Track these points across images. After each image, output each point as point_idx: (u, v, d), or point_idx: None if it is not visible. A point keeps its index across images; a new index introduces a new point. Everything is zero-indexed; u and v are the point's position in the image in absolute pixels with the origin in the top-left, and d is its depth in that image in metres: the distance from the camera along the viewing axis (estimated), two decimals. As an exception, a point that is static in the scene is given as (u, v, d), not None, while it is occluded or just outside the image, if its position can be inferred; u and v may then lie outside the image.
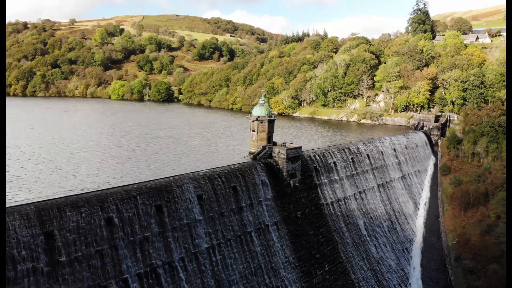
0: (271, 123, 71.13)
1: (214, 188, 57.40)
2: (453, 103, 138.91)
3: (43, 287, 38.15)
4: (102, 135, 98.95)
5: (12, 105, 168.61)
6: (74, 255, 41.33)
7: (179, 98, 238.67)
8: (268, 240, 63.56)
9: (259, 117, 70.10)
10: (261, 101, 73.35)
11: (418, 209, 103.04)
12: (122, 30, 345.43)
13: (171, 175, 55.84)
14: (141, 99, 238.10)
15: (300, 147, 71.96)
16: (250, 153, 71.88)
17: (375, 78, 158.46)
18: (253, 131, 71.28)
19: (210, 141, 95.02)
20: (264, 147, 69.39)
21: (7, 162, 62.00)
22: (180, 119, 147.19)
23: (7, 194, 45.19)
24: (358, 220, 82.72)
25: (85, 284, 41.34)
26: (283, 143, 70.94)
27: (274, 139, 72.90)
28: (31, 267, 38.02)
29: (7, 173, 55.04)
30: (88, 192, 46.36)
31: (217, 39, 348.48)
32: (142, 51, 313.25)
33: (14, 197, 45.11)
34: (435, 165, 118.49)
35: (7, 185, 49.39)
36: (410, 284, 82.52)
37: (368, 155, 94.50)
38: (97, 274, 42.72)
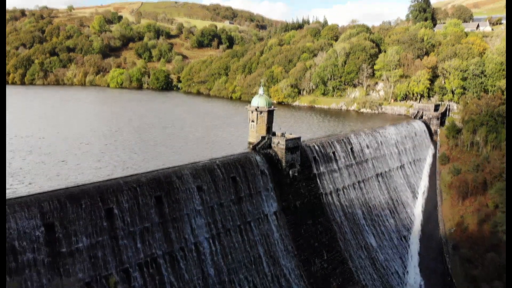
0: (270, 113, 71.15)
1: (214, 179, 57.66)
2: (453, 92, 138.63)
3: (44, 278, 38.60)
4: (103, 126, 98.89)
5: (11, 94, 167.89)
6: (74, 246, 41.74)
7: (178, 86, 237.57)
8: (267, 229, 64.11)
9: (258, 107, 70.12)
10: (260, 91, 73.26)
11: (417, 198, 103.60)
12: (120, 17, 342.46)
13: (170, 166, 56.03)
14: (140, 87, 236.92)
15: (299, 138, 72.04)
16: (249, 143, 72.00)
17: (375, 67, 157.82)
18: (252, 121, 71.33)
19: (209, 131, 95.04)
20: (263, 138, 69.48)
21: (9, 154, 62.04)
22: (180, 108, 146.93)
23: (9, 186, 45.43)
24: (356, 209, 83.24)
25: (86, 275, 41.83)
26: (283, 134, 70.97)
27: (273, 129, 72.98)
28: (32, 258, 38.42)
29: (8, 165, 55.21)
30: (88, 184, 46.53)
31: (216, 26, 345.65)
32: (141, 38, 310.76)
33: (15, 189, 45.34)
34: (434, 154, 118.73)
35: (9, 177, 49.57)
36: (407, 272, 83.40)
37: (367, 145, 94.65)
38: (98, 264, 43.20)
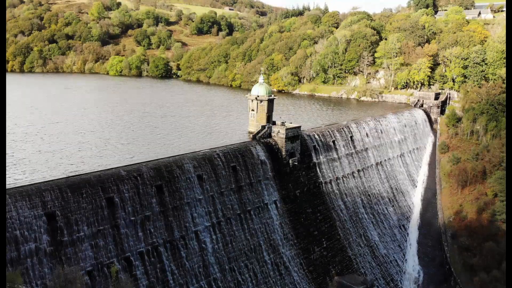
0: (270, 102, 70.96)
1: (214, 168, 57.83)
2: (453, 81, 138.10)
3: (46, 267, 38.91)
4: (103, 114, 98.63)
5: (10, 82, 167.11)
6: (76, 235, 42.02)
7: (178, 74, 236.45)
8: (267, 218, 64.51)
9: (258, 96, 69.92)
10: (261, 80, 72.99)
11: (416, 186, 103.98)
12: (119, 4, 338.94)
13: (171, 155, 56.12)
14: (139, 75, 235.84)
15: (299, 127, 72.03)
16: (249, 132, 71.97)
17: (376, 55, 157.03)
18: (252, 110, 71.21)
19: (209, 120, 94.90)
20: (263, 127, 69.45)
21: (9, 144, 61.99)
22: (180, 97, 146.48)
23: (9, 176, 45.48)
24: (356, 197, 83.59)
25: (88, 263, 42.20)
26: (283, 123, 70.93)
27: (274, 118, 72.88)
28: (34, 248, 38.68)
29: (9, 155, 55.23)
30: (88, 173, 46.66)
31: (215, 13, 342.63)
32: (140, 25, 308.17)
33: (16, 178, 45.41)
34: (434, 143, 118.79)
35: (10, 167, 49.63)
36: (406, 260, 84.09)
37: (367, 134, 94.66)
38: (100, 253, 43.54)
